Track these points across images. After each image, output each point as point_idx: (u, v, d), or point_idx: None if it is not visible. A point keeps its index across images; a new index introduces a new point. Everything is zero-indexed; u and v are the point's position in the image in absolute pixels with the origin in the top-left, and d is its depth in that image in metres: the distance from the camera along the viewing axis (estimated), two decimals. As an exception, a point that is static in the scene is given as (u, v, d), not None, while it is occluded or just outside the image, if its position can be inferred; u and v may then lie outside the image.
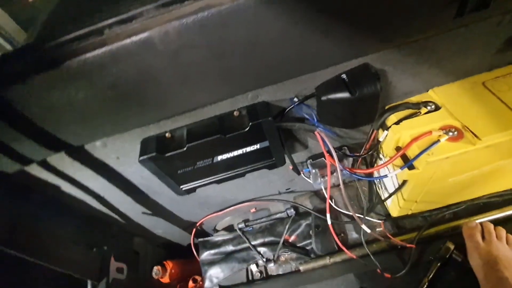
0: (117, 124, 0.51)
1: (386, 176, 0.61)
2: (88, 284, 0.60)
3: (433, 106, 0.59)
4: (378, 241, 0.75)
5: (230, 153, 0.57)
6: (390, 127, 0.60)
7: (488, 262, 0.58)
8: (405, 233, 0.77)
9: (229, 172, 0.63)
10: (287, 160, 0.68)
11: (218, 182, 0.65)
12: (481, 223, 0.65)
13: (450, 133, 0.54)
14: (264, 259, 0.84)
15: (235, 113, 0.54)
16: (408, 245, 0.70)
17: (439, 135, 0.55)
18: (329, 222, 0.69)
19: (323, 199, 0.91)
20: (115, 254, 0.68)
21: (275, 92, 0.53)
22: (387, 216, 0.84)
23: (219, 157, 0.57)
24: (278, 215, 0.91)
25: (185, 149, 0.53)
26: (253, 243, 0.87)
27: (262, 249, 0.85)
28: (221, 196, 0.82)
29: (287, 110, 0.57)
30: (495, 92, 0.57)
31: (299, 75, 0.50)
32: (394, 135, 0.59)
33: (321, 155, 0.73)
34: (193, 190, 0.66)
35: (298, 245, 0.84)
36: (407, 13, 0.42)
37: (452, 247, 0.67)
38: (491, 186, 0.73)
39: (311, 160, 0.73)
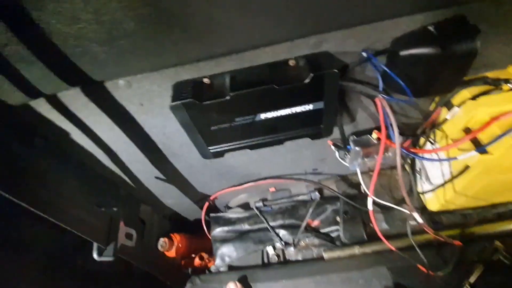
0: (148, 57, 0.42)
1: (455, 158, 0.52)
2: (94, 247, 0.52)
3: (515, 84, 0.50)
4: (415, 235, 0.68)
5: (276, 112, 0.48)
6: (461, 104, 0.52)
7: None
8: (442, 229, 0.70)
9: (268, 136, 0.54)
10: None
11: (252, 147, 0.56)
12: None
13: (539, 116, 0.46)
14: (283, 242, 0.76)
15: (291, 62, 0.45)
16: (454, 242, 0.63)
17: (526, 116, 0.46)
18: (370, 208, 0.61)
19: (351, 185, 0.83)
20: (125, 218, 0.60)
21: (343, 40, 0.44)
22: (422, 209, 0.76)
23: (263, 115, 0.48)
24: (300, 197, 0.83)
25: (227, 98, 0.44)
26: (271, 224, 0.79)
27: (281, 231, 0.78)
28: (244, 167, 0.74)
29: (350, 67, 0.47)
30: None
31: (376, 20, 0.41)
32: (468, 112, 0.50)
33: (366, 132, 0.65)
34: (221, 154, 0.57)
35: (321, 230, 0.77)
36: None
37: (501, 247, 0.59)
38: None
39: (354, 136, 0.65)
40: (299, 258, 0.75)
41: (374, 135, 0.62)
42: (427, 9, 0.41)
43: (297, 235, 0.76)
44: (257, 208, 0.83)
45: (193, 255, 0.89)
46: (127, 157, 0.63)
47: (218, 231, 0.82)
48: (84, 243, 0.51)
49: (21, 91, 0.43)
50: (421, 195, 0.79)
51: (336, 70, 0.42)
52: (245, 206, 0.88)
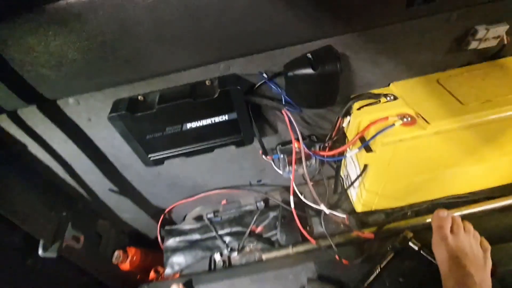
0: (91, 79, 0.53)
1: (344, 156, 0.63)
2: (40, 244, 0.58)
3: (391, 97, 0.64)
4: (342, 234, 0.77)
5: (199, 122, 0.59)
6: (352, 113, 0.65)
7: (454, 256, 0.57)
8: (367, 227, 0.79)
9: (198, 144, 0.64)
10: (255, 144, 0.72)
11: (187, 155, 0.66)
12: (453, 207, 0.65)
13: (405, 119, 0.59)
14: (229, 249, 0.83)
15: (207, 82, 0.57)
16: (367, 236, 0.72)
17: (395, 120, 0.59)
18: (292, 205, 0.70)
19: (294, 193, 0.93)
20: (73, 222, 0.66)
21: (246, 64, 0.57)
22: (351, 211, 0.86)
23: (188, 125, 0.59)
24: (248, 207, 0.92)
25: (155, 110, 0.55)
26: (219, 232, 0.86)
27: (227, 239, 0.84)
28: (191, 178, 0.83)
29: (256, 85, 0.60)
30: (447, 88, 0.62)
31: (269, 50, 0.55)
32: (355, 119, 0.63)
33: (291, 142, 0.76)
34: (161, 161, 0.67)
35: (264, 236, 0.84)
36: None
37: (410, 235, 0.68)
38: (450, 188, 0.77)
39: (280, 146, 0.76)
40: (243, 262, 0.81)
41: (296, 144, 0.74)
42: (306, 41, 0.55)
43: (242, 241, 0.82)
44: (208, 219, 0.90)
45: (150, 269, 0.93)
46: (81, 169, 0.72)
47: (170, 242, 0.88)
48: (32, 240, 0.58)
49: (-15, 108, 0.54)
50: (351, 199, 0.89)
51: (238, 87, 0.55)
52: (199, 218, 0.95)
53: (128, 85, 0.56)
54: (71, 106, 0.58)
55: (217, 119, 0.59)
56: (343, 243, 0.73)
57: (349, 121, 0.66)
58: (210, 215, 0.91)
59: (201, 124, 0.60)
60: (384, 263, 0.66)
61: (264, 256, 0.78)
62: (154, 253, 0.97)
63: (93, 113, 0.60)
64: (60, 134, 0.62)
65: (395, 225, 0.76)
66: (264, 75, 0.58)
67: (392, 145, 0.58)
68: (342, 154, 0.68)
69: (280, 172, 0.81)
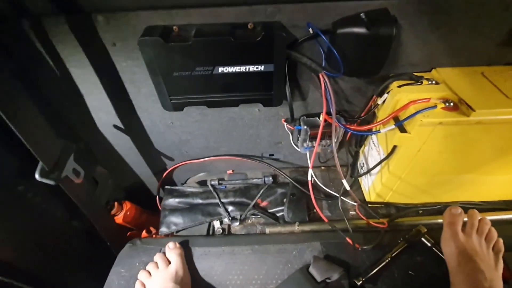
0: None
1: (379, 131, 0.60)
2: (38, 167, 0.53)
3: (433, 82, 0.61)
4: (351, 220, 0.73)
5: (232, 67, 0.55)
6: (390, 91, 0.61)
7: (463, 252, 0.55)
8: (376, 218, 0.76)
9: (224, 94, 0.60)
10: (280, 110, 0.68)
11: (210, 104, 0.62)
12: (466, 212, 0.62)
13: (447, 103, 0.56)
14: (230, 217, 0.79)
15: (249, 26, 0.53)
16: (379, 225, 0.68)
17: (436, 102, 0.56)
18: (309, 178, 0.66)
19: (303, 174, 0.89)
20: (77, 155, 0.62)
21: (294, 13, 0.53)
22: (362, 201, 0.83)
23: (220, 69, 0.55)
24: (254, 181, 0.88)
25: (190, 43, 0.51)
26: (222, 200, 0.82)
27: (230, 208, 0.80)
28: (203, 138, 0.79)
29: (300, 40, 0.57)
30: (492, 81, 0.60)
31: (323, 0, 0.51)
32: (393, 97, 0.60)
33: (316, 115, 0.72)
34: (181, 106, 0.62)
35: (269, 210, 0.80)
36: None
37: (424, 230, 0.65)
38: (467, 194, 0.75)
39: (305, 117, 0.72)
40: (243, 233, 0.77)
41: (321, 117, 0.70)
42: None
43: (245, 212, 0.78)
44: (212, 185, 0.86)
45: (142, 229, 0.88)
46: (93, 103, 0.67)
47: (169, 201, 0.84)
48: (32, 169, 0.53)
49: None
50: (363, 188, 0.86)
51: (284, 34, 0.51)
52: (202, 183, 0.91)
53: (165, 12, 0.52)
54: (100, 25, 0.53)
55: (252, 68, 0.55)
56: (354, 229, 0.70)
57: (384, 100, 0.62)
58: (214, 182, 0.87)
59: (233, 71, 0.56)
60: (395, 253, 0.63)
61: (268, 230, 0.74)
62: (149, 213, 0.93)
63: (120, 37, 0.55)
64: (81, 54, 0.57)
65: (407, 219, 0.73)
66: (310, 29, 0.55)
67: (431, 127, 0.55)
68: (370, 130, 0.65)
69: (297, 147, 0.77)
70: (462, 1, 0.51)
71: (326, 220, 0.69)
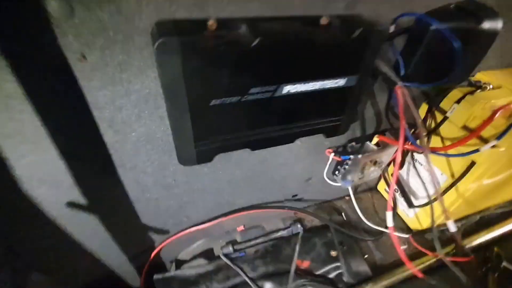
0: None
1: (476, 151, 0.48)
2: None
3: (491, 86, 0.54)
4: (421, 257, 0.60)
5: (304, 84, 0.35)
6: (460, 99, 0.52)
7: None
8: (432, 248, 0.65)
9: (280, 127, 0.39)
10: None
11: (255, 146, 0.39)
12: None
13: (526, 109, 0.49)
14: (271, 300, 0.54)
15: (323, 20, 0.34)
16: (464, 259, 0.57)
17: (520, 108, 0.48)
18: (390, 224, 0.50)
19: (332, 212, 0.72)
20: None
21: (378, 4, 0.37)
22: (411, 230, 0.71)
23: (286, 88, 0.34)
24: (279, 233, 0.66)
25: (250, 47, 0.29)
26: (250, 275, 0.57)
27: (266, 284, 0.56)
28: (215, 195, 0.53)
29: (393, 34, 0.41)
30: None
31: None
32: (468, 107, 0.50)
33: (367, 138, 0.57)
34: (211, 155, 0.38)
35: (316, 272, 0.60)
36: None
37: (502, 253, 0.57)
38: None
39: (354, 143, 0.56)
40: (295, 318, 0.54)
41: (375, 139, 0.55)
42: None
43: (288, 285, 0.56)
44: (225, 255, 0.60)
45: None
46: (27, 170, 0.35)
47: (170, 300, 0.54)
48: None
49: None
50: (403, 216, 0.74)
51: (382, 28, 0.34)
52: (207, 256, 0.63)
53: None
54: (55, 17, 0.26)
55: (330, 83, 0.36)
56: (428, 269, 0.56)
57: (454, 109, 0.52)
58: (227, 250, 0.61)
59: (304, 90, 0.35)
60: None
61: (332, 305, 0.54)
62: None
63: (97, 43, 0.28)
64: (9, 83, 0.27)
65: (469, 240, 0.64)
66: (393, 27, 0.40)
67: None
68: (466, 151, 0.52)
69: (333, 182, 0.60)
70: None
71: (421, 275, 0.52)
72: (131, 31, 0.28)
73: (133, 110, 0.34)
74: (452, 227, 0.49)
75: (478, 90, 0.53)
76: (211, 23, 0.30)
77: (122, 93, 0.32)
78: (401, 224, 0.73)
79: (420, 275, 0.51)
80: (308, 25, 0.33)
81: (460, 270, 0.55)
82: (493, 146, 0.47)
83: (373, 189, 0.79)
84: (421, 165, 0.62)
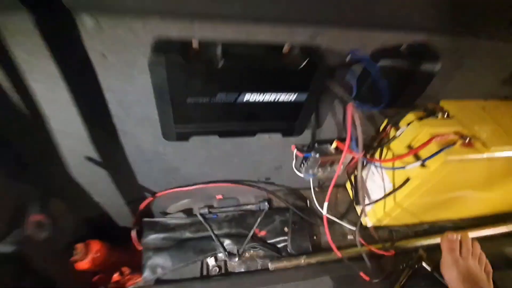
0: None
1: (403, 167, 0.58)
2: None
3: (446, 114, 0.62)
4: (352, 248, 0.72)
5: (261, 95, 0.46)
6: (409, 123, 0.60)
7: (466, 276, 0.58)
8: (375, 243, 0.76)
9: (243, 123, 0.51)
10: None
11: (222, 134, 0.52)
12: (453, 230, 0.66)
13: (464, 140, 0.57)
14: (227, 253, 0.69)
15: (285, 48, 0.45)
16: (387, 253, 0.68)
17: (455, 139, 0.57)
18: (324, 212, 0.62)
19: (299, 198, 0.85)
20: (37, 201, 0.45)
21: (336, 38, 0.46)
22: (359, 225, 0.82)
23: (247, 96, 0.46)
24: (249, 207, 0.80)
25: (219, 66, 0.40)
26: (216, 232, 0.72)
27: (225, 241, 0.71)
28: (198, 166, 0.67)
29: (339, 66, 0.51)
30: (492, 116, 0.63)
31: (368, 26, 0.46)
32: (414, 130, 0.59)
33: (328, 141, 0.68)
34: (186, 136, 0.51)
35: (268, 241, 0.74)
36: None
37: (424, 255, 0.68)
38: (456, 211, 0.80)
39: (317, 144, 0.67)
40: (242, 269, 0.69)
41: (334, 144, 0.66)
42: (407, 27, 0.48)
43: (243, 245, 0.70)
44: (201, 214, 0.75)
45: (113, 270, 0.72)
46: (58, 126, 0.50)
47: (152, 238, 0.70)
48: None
49: None
50: (358, 212, 0.85)
51: (327, 63, 0.44)
52: (186, 212, 0.79)
53: (182, 22, 0.40)
54: (87, 29, 0.38)
55: (283, 97, 0.47)
56: (356, 257, 0.68)
57: (403, 131, 0.61)
58: (204, 211, 0.76)
59: (260, 99, 0.47)
60: (403, 281, 0.64)
61: (272, 266, 0.68)
62: (120, 249, 0.76)
63: (113, 47, 0.41)
64: (50, 67, 0.41)
65: (405, 243, 0.75)
66: (348, 57, 0.49)
67: (452, 164, 0.55)
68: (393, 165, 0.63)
69: (299, 173, 0.72)
70: (488, 44, 0.52)
71: (339, 255, 0.65)
72: (137, 43, 0.41)
73: (136, 95, 0.47)
74: (368, 223, 0.60)
75: (430, 117, 0.61)
76: (195, 43, 0.41)
77: (128, 83, 0.45)
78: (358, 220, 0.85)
79: (339, 254, 0.64)
80: (271, 51, 0.44)
81: (377, 260, 0.67)
82: (422, 166, 0.57)
83: (342, 186, 0.90)
84: (373, 173, 0.73)
